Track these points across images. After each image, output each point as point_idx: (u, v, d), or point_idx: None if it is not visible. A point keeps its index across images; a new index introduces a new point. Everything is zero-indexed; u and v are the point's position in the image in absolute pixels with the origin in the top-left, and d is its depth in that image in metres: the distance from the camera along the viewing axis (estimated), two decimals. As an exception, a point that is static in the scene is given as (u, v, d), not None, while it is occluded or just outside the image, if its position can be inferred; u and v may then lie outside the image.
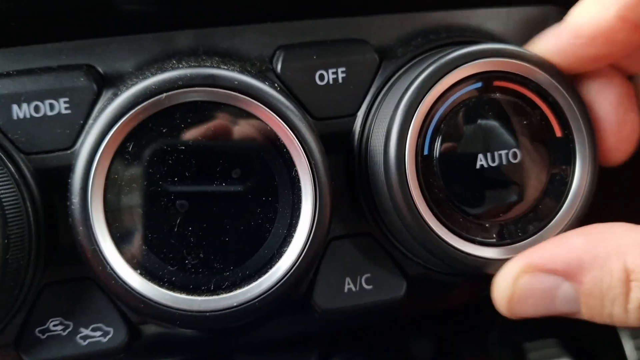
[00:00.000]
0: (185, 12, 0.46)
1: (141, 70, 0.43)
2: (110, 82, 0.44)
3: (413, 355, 0.77)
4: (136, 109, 0.39)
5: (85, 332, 0.43)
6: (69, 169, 0.42)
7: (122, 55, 0.45)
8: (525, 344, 0.75)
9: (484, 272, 0.43)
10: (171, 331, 0.48)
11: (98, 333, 0.44)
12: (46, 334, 0.43)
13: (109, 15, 0.45)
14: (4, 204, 0.39)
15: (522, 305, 0.41)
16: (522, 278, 0.40)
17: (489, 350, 0.79)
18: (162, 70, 0.41)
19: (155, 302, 0.40)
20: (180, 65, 0.41)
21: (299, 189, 0.41)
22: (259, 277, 0.41)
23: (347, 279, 0.46)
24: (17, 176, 0.41)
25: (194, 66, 0.41)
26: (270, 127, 0.41)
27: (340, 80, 0.46)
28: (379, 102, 0.46)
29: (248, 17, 0.47)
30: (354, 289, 0.46)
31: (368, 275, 0.47)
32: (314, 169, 0.41)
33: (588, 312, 0.39)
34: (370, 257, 0.47)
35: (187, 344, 0.51)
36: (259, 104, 0.41)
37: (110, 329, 0.44)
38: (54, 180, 0.43)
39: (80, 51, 0.44)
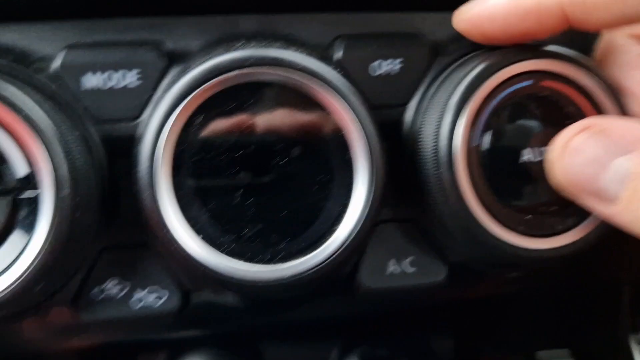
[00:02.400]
0: (251, -3, 0.48)
1: (209, 49, 0.45)
2: (178, 58, 0.46)
3: (432, 351, 0.79)
4: (208, 83, 0.41)
5: (139, 295, 0.45)
6: (133, 138, 0.44)
7: (190, 34, 0.47)
8: (539, 353, 0.76)
9: (524, 263, 0.45)
10: (216, 302, 0.49)
11: (152, 297, 0.45)
12: (103, 295, 0.45)
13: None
14: (77, 165, 0.41)
15: (571, 158, 0.39)
16: (589, 131, 0.39)
17: (503, 352, 0.81)
18: (232, 49, 0.43)
19: (213, 269, 0.41)
20: (249, 46, 0.43)
21: (355, 171, 0.43)
22: (311, 251, 0.43)
23: (391, 261, 0.48)
24: (86, 142, 0.43)
25: (263, 47, 0.43)
26: (332, 110, 0.43)
27: (395, 72, 0.48)
28: (432, 94, 0.48)
29: (309, 6, 0.49)
30: (397, 270, 0.48)
31: (411, 258, 0.49)
32: (371, 153, 0.43)
33: (628, 199, 0.36)
34: (414, 242, 0.49)
35: (228, 316, 0.53)
36: (323, 86, 0.43)
37: (165, 294, 0.46)
38: (119, 148, 0.45)
39: (151, 28, 0.46)
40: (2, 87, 0.40)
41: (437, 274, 0.49)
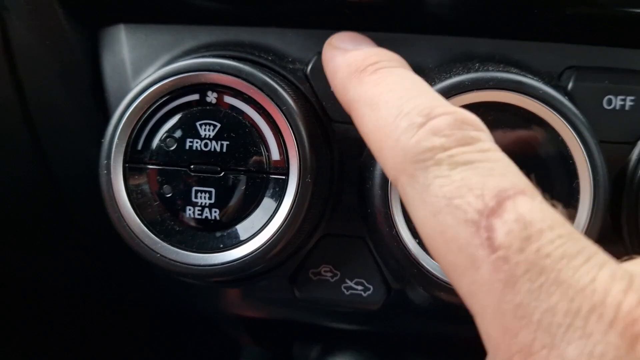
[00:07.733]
0: (488, 21, 0.50)
1: (447, 67, 0.48)
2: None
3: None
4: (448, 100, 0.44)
5: (349, 283, 0.49)
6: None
7: (426, 52, 0.50)
8: None
9: None
10: (411, 301, 0.52)
11: (360, 287, 0.49)
12: (317, 277, 0.50)
13: (416, 13, 0.51)
14: (320, 158, 0.46)
15: None
16: None
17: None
18: (469, 70, 0.45)
19: (426, 270, 0.44)
20: (487, 69, 0.45)
21: (577, 200, 0.44)
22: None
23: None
24: (326, 139, 0.48)
25: (502, 71, 0.45)
26: (562, 139, 0.44)
27: (626, 108, 0.48)
28: (663, 136, 0.47)
29: (541, 35, 0.50)
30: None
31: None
32: (597, 186, 0.43)
33: None
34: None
35: (414, 318, 0.56)
36: (558, 115, 0.44)
37: (371, 287, 0.49)
38: (349, 148, 0.49)
39: (388, 42, 0.50)
40: (269, 84, 0.45)
41: None
